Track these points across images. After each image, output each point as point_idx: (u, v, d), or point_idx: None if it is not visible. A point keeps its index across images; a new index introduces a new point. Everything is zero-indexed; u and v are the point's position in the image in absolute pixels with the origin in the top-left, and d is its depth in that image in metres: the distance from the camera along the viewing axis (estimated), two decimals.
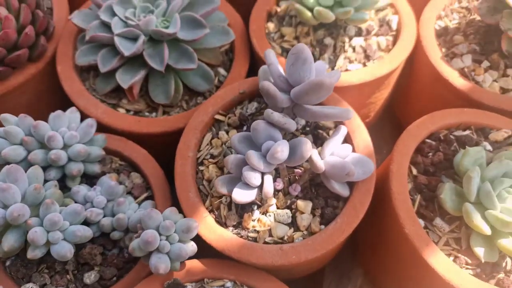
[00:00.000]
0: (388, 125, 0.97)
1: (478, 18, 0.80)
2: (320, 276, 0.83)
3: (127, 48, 0.70)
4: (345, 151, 0.64)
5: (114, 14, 0.72)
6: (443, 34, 0.82)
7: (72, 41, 0.79)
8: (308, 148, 0.58)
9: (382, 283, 0.79)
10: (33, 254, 0.57)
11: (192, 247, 0.61)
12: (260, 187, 0.60)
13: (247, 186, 0.60)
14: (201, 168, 0.68)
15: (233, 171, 0.61)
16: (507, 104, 0.73)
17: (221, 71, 0.81)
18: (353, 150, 0.67)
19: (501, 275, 0.60)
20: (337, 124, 0.69)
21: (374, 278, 0.81)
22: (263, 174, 0.60)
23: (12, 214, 0.55)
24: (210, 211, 0.65)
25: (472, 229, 0.60)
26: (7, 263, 0.64)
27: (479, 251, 0.59)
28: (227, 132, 0.70)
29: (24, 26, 0.73)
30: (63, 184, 0.68)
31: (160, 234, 0.59)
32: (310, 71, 0.60)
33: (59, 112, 0.67)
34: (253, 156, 0.58)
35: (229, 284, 0.62)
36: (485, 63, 0.77)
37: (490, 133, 0.70)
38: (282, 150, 0.57)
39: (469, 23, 0.82)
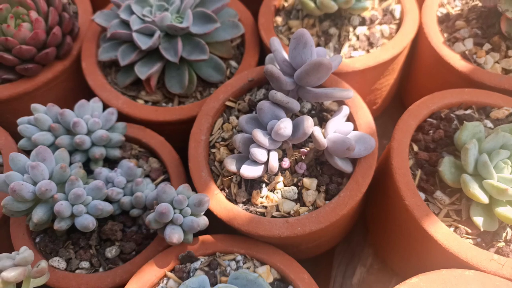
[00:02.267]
0: (398, 111, 0.98)
1: (480, 4, 0.83)
2: (329, 257, 0.85)
3: (144, 43, 0.76)
4: (347, 128, 0.67)
5: (132, 13, 0.79)
6: (445, 20, 0.84)
7: (95, 40, 0.86)
8: (310, 124, 0.62)
9: (390, 260, 0.81)
10: (59, 225, 0.62)
11: (203, 220, 0.65)
12: (267, 163, 0.64)
13: (255, 162, 0.64)
14: (213, 150, 0.72)
15: (241, 149, 0.66)
16: (509, 83, 0.75)
17: (233, 63, 0.86)
18: (356, 129, 0.70)
19: (501, 244, 0.62)
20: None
21: (383, 256, 0.84)
22: (269, 151, 0.64)
23: (40, 189, 0.61)
24: (221, 190, 0.69)
25: (472, 200, 0.62)
26: (37, 239, 0.70)
27: (478, 220, 0.61)
28: (237, 117, 0.74)
29: (52, 27, 0.80)
30: (87, 168, 0.74)
31: (174, 208, 0.63)
32: (311, 54, 0.64)
33: (83, 101, 0.73)
34: (259, 134, 0.63)
35: (239, 257, 0.66)
36: (487, 46, 0.79)
37: (491, 111, 0.72)
38: (285, 126, 0.62)
39: (472, 9, 0.84)
